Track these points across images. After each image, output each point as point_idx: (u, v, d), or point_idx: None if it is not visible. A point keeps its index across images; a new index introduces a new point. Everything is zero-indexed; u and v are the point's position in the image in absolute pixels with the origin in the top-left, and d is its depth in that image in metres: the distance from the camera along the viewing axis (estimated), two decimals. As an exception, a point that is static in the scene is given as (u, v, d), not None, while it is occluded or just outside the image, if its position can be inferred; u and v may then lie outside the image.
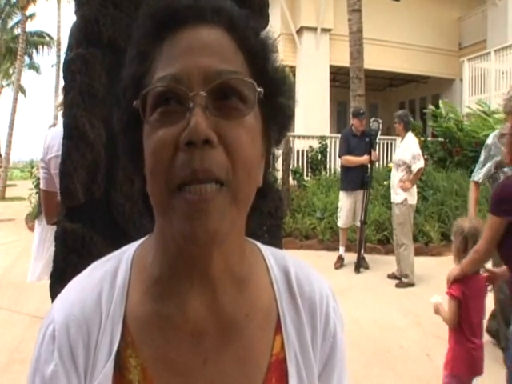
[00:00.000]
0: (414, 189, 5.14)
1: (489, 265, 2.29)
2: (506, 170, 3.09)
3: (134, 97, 0.47)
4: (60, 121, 2.40)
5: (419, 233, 6.43)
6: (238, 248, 0.53)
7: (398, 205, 5.04)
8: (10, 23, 24.36)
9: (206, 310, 0.51)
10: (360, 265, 5.51)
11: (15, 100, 14.84)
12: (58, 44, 21.66)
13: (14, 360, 3.11)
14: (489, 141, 3.27)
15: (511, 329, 1.94)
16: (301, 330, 0.56)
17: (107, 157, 1.31)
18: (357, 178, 5.54)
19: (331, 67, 11.90)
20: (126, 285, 0.52)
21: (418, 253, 5.01)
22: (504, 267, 2.05)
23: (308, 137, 10.07)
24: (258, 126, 0.49)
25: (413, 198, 5.08)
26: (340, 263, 5.71)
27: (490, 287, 2.25)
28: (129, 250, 0.56)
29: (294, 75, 11.05)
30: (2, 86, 28.67)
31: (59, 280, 1.25)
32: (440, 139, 9.49)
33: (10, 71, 26.41)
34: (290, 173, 8.11)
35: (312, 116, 11.11)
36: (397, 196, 5.04)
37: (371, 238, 6.41)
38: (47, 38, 25.32)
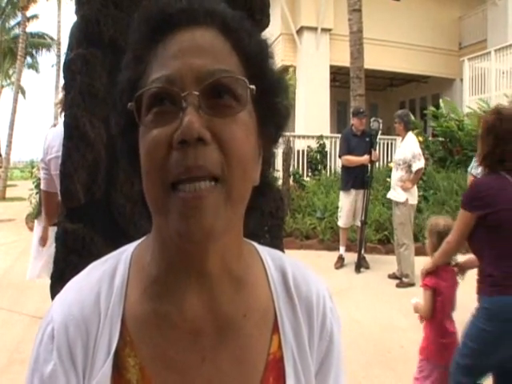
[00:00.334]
0: (415, 189, 5.14)
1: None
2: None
3: (130, 99, 0.48)
4: (60, 120, 2.40)
5: (420, 232, 6.43)
6: (236, 247, 0.54)
7: (398, 205, 5.04)
8: (11, 23, 24.43)
9: (203, 309, 0.52)
10: (360, 265, 5.51)
11: (15, 100, 14.84)
12: (58, 44, 21.67)
13: (14, 360, 3.11)
14: None
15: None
16: (298, 330, 0.57)
17: (108, 157, 1.31)
18: (357, 178, 5.54)
19: (331, 67, 11.91)
20: (125, 285, 0.53)
21: (418, 253, 5.01)
22: (469, 257, 2.30)
23: (308, 136, 10.07)
24: (253, 124, 0.50)
25: (413, 198, 5.08)
26: (340, 263, 5.71)
27: (460, 278, 2.42)
28: (127, 250, 0.57)
29: (295, 75, 11.05)
30: (3, 86, 28.67)
31: (59, 280, 1.25)
32: (440, 139, 9.49)
33: (10, 72, 26.41)
34: (290, 173, 8.12)
35: (312, 116, 11.12)
36: (397, 196, 5.04)
37: (372, 238, 6.41)
38: (48, 40, 25.32)
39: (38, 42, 25.22)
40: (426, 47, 12.70)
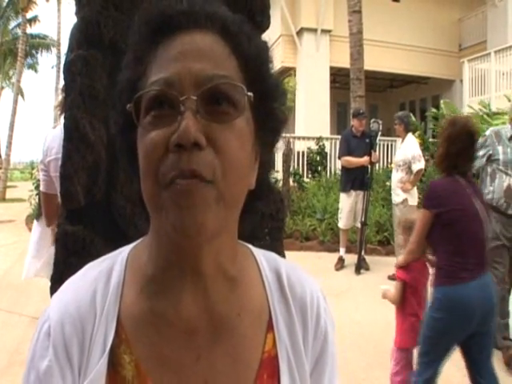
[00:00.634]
0: (415, 190, 5.15)
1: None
2: (494, 165, 3.29)
3: (129, 100, 0.49)
4: (59, 122, 2.40)
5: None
6: (230, 249, 0.54)
7: (398, 205, 5.04)
8: (12, 25, 24.44)
9: (198, 308, 0.52)
10: (360, 266, 5.51)
11: (15, 102, 14.85)
12: (58, 45, 21.68)
13: (14, 361, 3.10)
14: (487, 132, 3.44)
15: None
16: (292, 329, 0.57)
17: (108, 158, 1.31)
18: (357, 179, 5.54)
19: (331, 68, 11.92)
20: (121, 284, 0.54)
21: (418, 254, 5.04)
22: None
23: (308, 138, 10.08)
24: (249, 130, 0.50)
25: (413, 199, 5.08)
26: (340, 264, 5.71)
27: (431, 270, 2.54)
28: (124, 251, 0.58)
29: (295, 76, 11.06)
30: (3, 88, 28.69)
31: (59, 282, 1.24)
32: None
33: (10, 73, 26.42)
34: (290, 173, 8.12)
35: (312, 117, 11.12)
36: (397, 197, 5.04)
37: (372, 239, 6.41)
38: (48, 41, 25.34)
39: (39, 43, 25.24)
40: (425, 48, 12.72)
